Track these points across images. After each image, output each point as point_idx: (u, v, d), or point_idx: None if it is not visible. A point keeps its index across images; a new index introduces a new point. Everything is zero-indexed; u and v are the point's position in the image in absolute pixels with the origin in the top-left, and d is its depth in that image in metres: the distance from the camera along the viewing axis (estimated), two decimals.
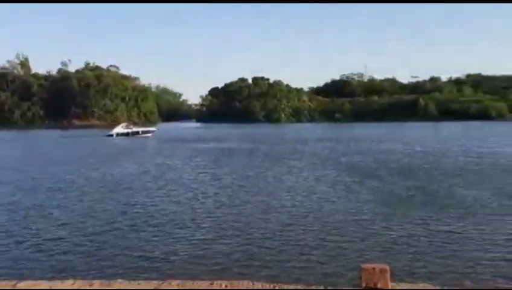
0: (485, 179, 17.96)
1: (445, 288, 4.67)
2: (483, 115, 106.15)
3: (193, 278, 7.34)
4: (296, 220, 11.53)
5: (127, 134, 57.18)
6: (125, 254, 8.97)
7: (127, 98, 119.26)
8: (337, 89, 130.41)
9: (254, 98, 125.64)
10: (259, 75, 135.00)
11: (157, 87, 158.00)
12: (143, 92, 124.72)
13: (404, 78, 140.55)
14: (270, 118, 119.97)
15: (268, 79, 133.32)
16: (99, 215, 12.41)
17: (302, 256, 8.67)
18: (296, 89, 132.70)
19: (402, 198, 14.40)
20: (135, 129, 60.57)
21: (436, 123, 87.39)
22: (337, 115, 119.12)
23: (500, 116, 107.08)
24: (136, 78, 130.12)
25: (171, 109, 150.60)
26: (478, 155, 27.24)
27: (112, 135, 56.18)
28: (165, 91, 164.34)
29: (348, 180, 18.13)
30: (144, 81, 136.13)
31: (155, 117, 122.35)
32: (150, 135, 59.21)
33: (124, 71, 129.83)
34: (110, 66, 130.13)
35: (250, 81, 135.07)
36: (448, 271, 7.67)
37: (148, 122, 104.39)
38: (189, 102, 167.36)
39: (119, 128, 59.02)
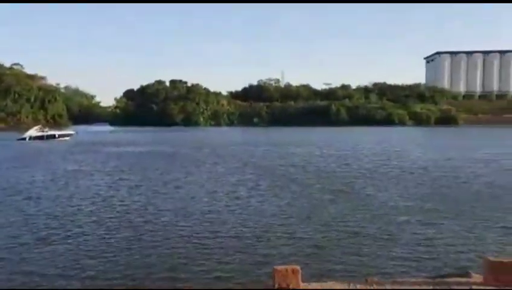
0: (391, 181, 19.46)
1: (352, 287, 5.00)
2: (387, 121, 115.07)
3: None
4: (212, 224, 11.58)
5: (42, 137, 52.60)
6: (26, 267, 8.37)
7: (32, 99, 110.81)
8: (255, 94, 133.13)
9: (172, 100, 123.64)
10: (178, 78, 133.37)
11: (67, 88, 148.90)
12: (50, 93, 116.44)
13: (318, 85, 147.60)
14: (189, 121, 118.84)
15: (186, 82, 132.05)
16: None
17: (216, 258, 8.75)
18: (214, 92, 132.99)
19: (316, 201, 15.08)
20: (51, 132, 55.91)
21: (348, 128, 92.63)
22: (255, 119, 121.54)
23: (401, 123, 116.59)
24: (42, 78, 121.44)
25: (82, 111, 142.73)
26: (386, 158, 29.39)
27: (24, 138, 51.49)
28: (76, 92, 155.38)
29: (266, 184, 18.58)
30: (52, 81, 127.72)
31: (64, 120, 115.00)
32: (68, 138, 54.86)
33: (29, 70, 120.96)
34: (14, 64, 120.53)
35: (167, 84, 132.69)
36: (356, 269, 8.22)
37: (56, 125, 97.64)
38: (103, 104, 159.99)
39: (33, 131, 54.10)
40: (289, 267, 4.36)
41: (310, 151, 35.85)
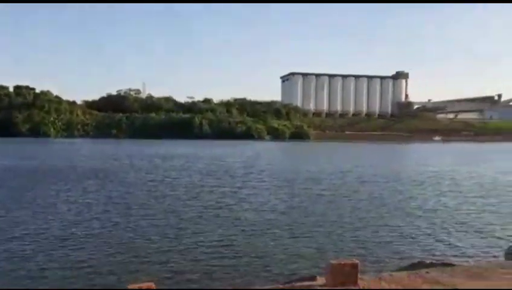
0: (249, 192, 20.18)
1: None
2: (247, 135, 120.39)
3: None
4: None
5: None
6: None
7: None
8: (113, 104, 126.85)
9: (16, 109, 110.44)
10: (23, 83, 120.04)
11: None
12: None
13: (181, 98, 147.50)
14: (37, 132, 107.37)
15: (34, 89, 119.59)
16: None
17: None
18: (67, 101, 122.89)
19: (172, 212, 14.77)
20: None
21: (211, 141, 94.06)
22: (113, 131, 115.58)
23: (260, 137, 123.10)
24: None
25: None
26: (247, 171, 30.49)
27: None
28: None
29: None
30: None
31: None
32: None
33: None
34: None
35: (11, 89, 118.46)
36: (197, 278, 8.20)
37: None
38: None
39: None
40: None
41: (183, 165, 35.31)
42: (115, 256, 9.72)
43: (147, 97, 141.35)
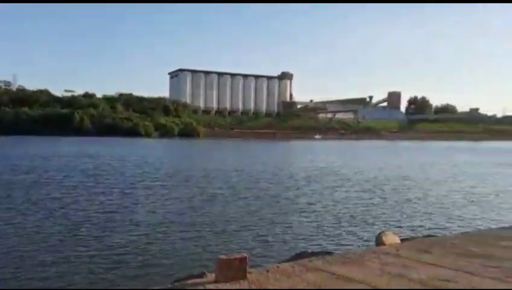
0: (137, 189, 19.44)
1: None
2: (134, 132, 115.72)
3: None
4: None
5: None
6: None
7: None
8: None
9: None
10: None
11: None
12: None
13: (58, 92, 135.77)
14: None
15: None
16: None
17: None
18: None
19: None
20: None
21: (94, 138, 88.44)
22: None
23: (147, 134, 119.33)
24: None
25: None
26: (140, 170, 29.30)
27: None
28: None
29: None
30: None
31: None
32: None
33: None
34: None
35: None
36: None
37: None
38: None
39: None
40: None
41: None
42: None
43: (17, 90, 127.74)
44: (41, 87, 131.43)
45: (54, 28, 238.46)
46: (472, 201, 18.63)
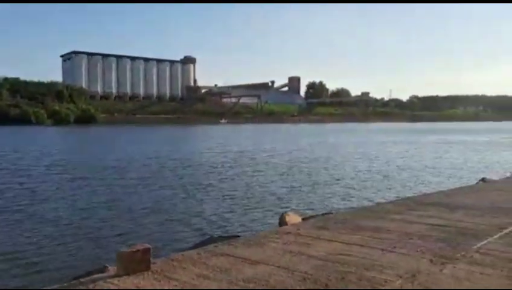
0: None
1: None
2: (24, 120, 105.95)
3: None
4: None
5: None
6: None
7: None
8: None
9: None
10: None
11: None
12: None
13: None
14: None
15: None
16: None
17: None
18: None
19: None
20: None
21: None
22: None
23: (40, 122, 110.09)
24: None
25: None
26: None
27: None
28: None
29: None
30: None
31: None
32: None
33: None
34: None
35: None
36: None
37: None
38: None
39: None
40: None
41: None
42: None
43: None
44: None
45: None
46: (366, 178, 20.24)
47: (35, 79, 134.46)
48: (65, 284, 4.46)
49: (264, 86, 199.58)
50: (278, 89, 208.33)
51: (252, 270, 4.14)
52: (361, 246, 4.97)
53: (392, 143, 45.94)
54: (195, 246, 6.26)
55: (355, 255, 4.60)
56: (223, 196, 15.61)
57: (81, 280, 4.40)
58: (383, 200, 12.75)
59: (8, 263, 8.33)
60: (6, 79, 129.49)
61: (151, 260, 4.15)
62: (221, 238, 6.66)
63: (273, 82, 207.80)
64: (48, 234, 10.38)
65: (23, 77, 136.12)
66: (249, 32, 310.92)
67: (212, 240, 6.88)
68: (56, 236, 10.25)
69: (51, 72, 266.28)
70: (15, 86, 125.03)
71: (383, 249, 4.82)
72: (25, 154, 31.03)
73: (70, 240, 9.88)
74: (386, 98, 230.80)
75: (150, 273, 4.01)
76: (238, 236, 6.89)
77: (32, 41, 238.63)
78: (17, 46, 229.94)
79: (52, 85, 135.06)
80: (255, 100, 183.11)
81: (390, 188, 17.52)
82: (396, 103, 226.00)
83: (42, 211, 12.98)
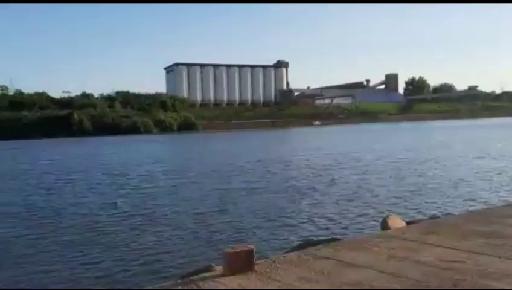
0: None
1: None
2: (133, 130, 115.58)
3: None
4: None
5: None
6: None
7: None
8: None
9: None
10: None
11: None
12: None
13: (56, 93, 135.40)
14: None
15: None
16: None
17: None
18: None
19: None
20: None
21: (94, 138, 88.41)
22: None
23: (147, 131, 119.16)
24: None
25: None
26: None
27: None
28: None
29: None
30: None
31: None
32: None
33: None
34: None
35: None
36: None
37: None
38: None
39: None
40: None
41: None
42: None
43: (15, 93, 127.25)
44: (39, 89, 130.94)
45: (47, 28, 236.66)
46: (474, 180, 18.65)
47: (143, 91, 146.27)
48: (174, 282, 4.76)
49: (359, 85, 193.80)
50: (373, 87, 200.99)
51: (355, 274, 4.05)
52: (475, 252, 4.58)
53: (504, 139, 41.73)
54: (296, 248, 6.30)
55: (468, 262, 4.26)
56: (323, 198, 15.47)
57: (190, 278, 4.67)
58: (498, 203, 11.65)
59: (124, 262, 9.13)
60: (118, 93, 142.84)
61: (254, 261, 4.26)
62: (321, 241, 6.61)
63: (368, 81, 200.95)
64: (158, 234, 11.19)
65: (132, 89, 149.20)
66: (341, 32, 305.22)
67: (312, 242, 6.86)
68: (166, 236, 11.01)
69: (156, 84, 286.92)
70: (126, 99, 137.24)
71: (499, 256, 4.40)
72: (140, 161, 33.81)
73: (178, 240, 10.54)
74: (498, 92, 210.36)
75: (253, 273, 4.12)
76: (339, 239, 6.78)
77: (139, 56, 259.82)
78: (126, 61, 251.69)
79: (157, 96, 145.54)
80: (349, 100, 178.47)
81: (507, 189, 15.94)
82: (509, 96, 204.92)
83: (153, 213, 14.03)
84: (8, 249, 10.35)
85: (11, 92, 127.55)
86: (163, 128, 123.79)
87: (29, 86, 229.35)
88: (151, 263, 8.86)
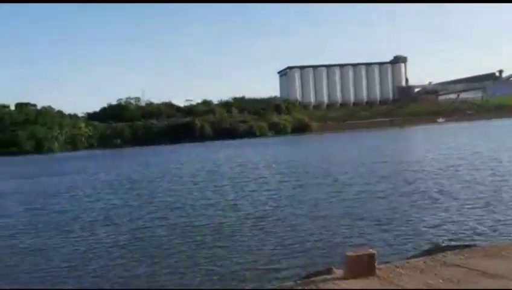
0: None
1: None
2: (250, 133, 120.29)
3: None
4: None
5: None
6: None
7: None
8: (115, 114, 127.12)
9: (18, 126, 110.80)
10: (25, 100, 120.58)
11: None
12: None
13: (180, 102, 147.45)
14: (41, 147, 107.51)
15: (35, 105, 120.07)
16: None
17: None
18: (70, 115, 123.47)
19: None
20: None
21: (214, 142, 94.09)
22: (116, 141, 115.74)
23: (262, 134, 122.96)
24: None
25: None
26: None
27: None
28: None
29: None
30: None
31: None
32: None
33: None
34: None
35: (13, 107, 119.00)
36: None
37: None
38: None
39: None
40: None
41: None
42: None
43: (146, 104, 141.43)
44: (166, 99, 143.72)
45: (173, 44, 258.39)
46: None
47: (258, 96, 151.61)
48: (294, 283, 4.85)
49: (490, 77, 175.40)
50: (508, 78, 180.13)
51: (490, 284, 3.70)
52: None
53: None
54: (421, 254, 5.96)
55: None
56: (453, 201, 14.29)
57: (310, 279, 4.72)
58: None
59: (247, 261, 9.55)
60: (235, 98, 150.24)
61: (376, 265, 4.15)
62: (450, 247, 6.15)
63: (501, 71, 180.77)
64: (280, 236, 11.47)
65: (247, 95, 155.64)
66: (467, 19, 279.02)
67: (440, 248, 6.42)
68: (287, 237, 11.22)
69: (270, 88, 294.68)
70: (242, 104, 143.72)
71: None
72: (256, 164, 35.08)
73: (299, 242, 10.66)
74: None
75: (375, 278, 4.02)
76: (471, 246, 6.24)
77: (253, 61, 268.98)
78: (242, 68, 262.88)
79: (271, 100, 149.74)
80: (478, 94, 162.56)
81: None
82: None
83: (274, 214, 14.42)
84: (144, 247, 11.54)
85: (142, 103, 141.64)
86: (277, 130, 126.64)
87: (157, 96, 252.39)
88: (272, 263, 9.12)
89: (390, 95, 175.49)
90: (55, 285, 8.69)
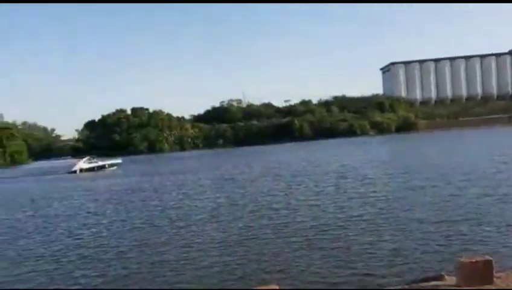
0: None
1: None
2: (350, 132, 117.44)
3: None
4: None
5: (93, 169, 53.57)
6: None
7: None
8: (218, 115, 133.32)
9: (134, 129, 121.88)
10: (138, 105, 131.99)
11: (24, 123, 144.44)
12: (7, 130, 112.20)
13: (279, 103, 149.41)
14: (153, 148, 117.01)
15: (148, 109, 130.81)
16: None
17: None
18: (177, 117, 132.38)
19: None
20: (100, 163, 56.62)
21: (313, 142, 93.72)
22: (219, 141, 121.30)
23: (364, 133, 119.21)
24: None
25: (43, 146, 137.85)
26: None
27: (75, 171, 51.49)
28: (34, 127, 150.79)
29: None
30: (8, 118, 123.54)
31: (24, 157, 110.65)
32: (115, 168, 56.32)
33: None
34: None
35: (129, 112, 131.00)
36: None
37: (15, 163, 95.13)
38: (64, 137, 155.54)
39: (83, 164, 54.38)
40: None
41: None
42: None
43: (247, 106, 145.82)
44: (265, 100, 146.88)
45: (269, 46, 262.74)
46: None
47: (359, 94, 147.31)
48: (402, 287, 4.71)
49: None
50: None
51: None
52: None
53: None
54: None
55: None
56: None
57: (419, 284, 4.56)
58: None
59: (350, 264, 9.43)
60: (335, 97, 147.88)
61: (494, 273, 3.88)
62: None
63: None
64: (389, 239, 11.13)
65: (348, 93, 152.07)
66: None
67: None
68: (396, 241, 10.84)
69: (373, 86, 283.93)
70: (342, 103, 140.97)
71: None
72: (359, 163, 34.25)
73: (408, 245, 10.22)
74: None
75: (492, 287, 3.76)
76: None
77: (353, 59, 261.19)
78: (341, 66, 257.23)
79: (373, 97, 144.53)
80: None
81: None
82: None
83: (382, 216, 14.02)
84: (250, 246, 12.00)
85: (244, 105, 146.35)
86: (380, 129, 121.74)
87: (257, 97, 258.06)
88: (380, 267, 8.89)
89: (510, 89, 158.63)
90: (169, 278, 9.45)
